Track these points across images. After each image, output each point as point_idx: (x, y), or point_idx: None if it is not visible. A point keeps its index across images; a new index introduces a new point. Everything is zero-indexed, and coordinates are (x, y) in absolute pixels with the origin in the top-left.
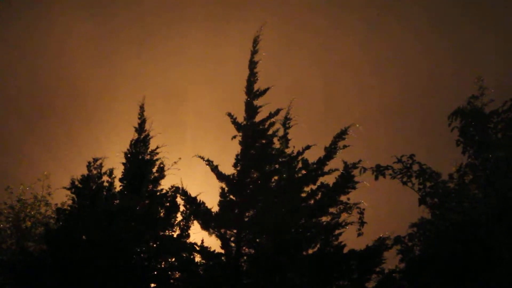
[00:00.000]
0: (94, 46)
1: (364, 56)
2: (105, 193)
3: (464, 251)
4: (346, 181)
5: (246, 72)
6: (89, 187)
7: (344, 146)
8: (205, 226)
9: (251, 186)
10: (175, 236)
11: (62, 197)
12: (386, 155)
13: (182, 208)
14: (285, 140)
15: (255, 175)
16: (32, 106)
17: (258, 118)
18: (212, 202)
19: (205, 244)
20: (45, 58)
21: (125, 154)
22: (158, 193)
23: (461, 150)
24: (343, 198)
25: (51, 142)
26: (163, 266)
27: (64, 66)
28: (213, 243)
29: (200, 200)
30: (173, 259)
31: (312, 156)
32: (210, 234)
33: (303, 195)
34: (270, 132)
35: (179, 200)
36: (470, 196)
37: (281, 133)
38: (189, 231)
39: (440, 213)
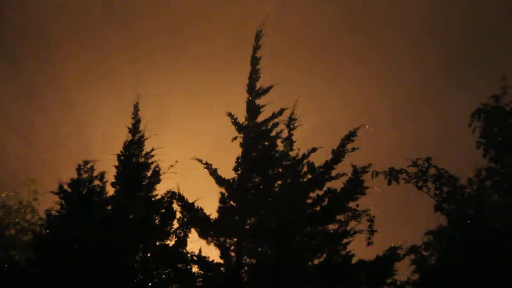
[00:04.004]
0: (86, 47)
1: (378, 52)
2: (96, 198)
3: (484, 261)
4: (355, 186)
5: (247, 71)
6: (79, 192)
7: (353, 149)
8: (203, 235)
9: (252, 191)
10: (171, 245)
11: (49, 203)
12: (398, 158)
13: (178, 215)
14: (289, 142)
15: (257, 180)
16: (18, 106)
17: (260, 118)
18: (211, 208)
19: (203, 254)
20: (33, 60)
21: (118, 156)
22: (153, 199)
23: (482, 153)
24: (352, 204)
25: (38, 144)
26: (158, 277)
27: (50, 63)
28: (212, 253)
29: (198, 206)
30: (169, 270)
31: (318, 159)
32: (208, 243)
33: (309, 201)
34: (273, 133)
35: (175, 206)
36: (490, 203)
37: (285, 134)
38: (186, 240)
39: (458, 221)
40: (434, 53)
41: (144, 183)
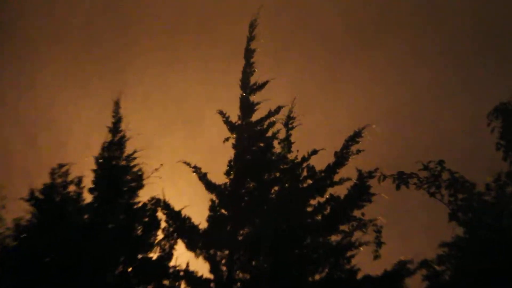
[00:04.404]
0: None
1: (384, 48)
2: (71, 206)
3: (504, 276)
4: (361, 192)
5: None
6: (52, 199)
7: (358, 151)
8: (191, 246)
9: (246, 198)
10: (155, 258)
11: (19, 212)
12: (408, 162)
13: (163, 224)
14: (287, 143)
15: (251, 185)
16: None
17: (255, 117)
18: (199, 217)
19: (191, 268)
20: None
21: (96, 159)
22: (135, 206)
23: (502, 155)
24: (357, 213)
25: (7, 146)
26: None
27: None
28: (201, 267)
29: (185, 215)
30: (153, 286)
31: (319, 162)
32: (197, 255)
33: (309, 209)
34: (270, 133)
35: (160, 214)
36: (510, 211)
37: (282, 135)
38: (172, 252)
39: (475, 231)
40: (444, 50)
41: (125, 188)
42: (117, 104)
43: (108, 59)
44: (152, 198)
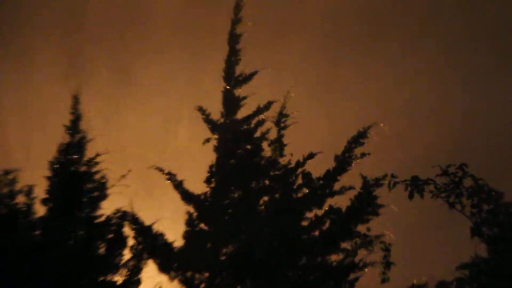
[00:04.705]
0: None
1: (393, 37)
2: (21, 220)
3: None
4: (366, 204)
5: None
6: None
7: (363, 155)
8: (164, 268)
9: (230, 211)
10: (120, 282)
11: None
12: (423, 167)
13: (131, 241)
14: (279, 145)
15: (236, 195)
16: None
17: (241, 114)
18: (175, 233)
19: None
20: None
21: (51, 164)
22: (97, 220)
23: None
24: (361, 228)
25: None
26: None
27: None
28: None
29: (157, 231)
30: None
31: (317, 168)
32: (171, 278)
33: (305, 223)
34: (258, 133)
35: (127, 230)
36: None
37: (273, 135)
38: (141, 275)
39: (502, 249)
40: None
41: (85, 199)
42: (76, 100)
43: (62, 51)
44: (118, 211)
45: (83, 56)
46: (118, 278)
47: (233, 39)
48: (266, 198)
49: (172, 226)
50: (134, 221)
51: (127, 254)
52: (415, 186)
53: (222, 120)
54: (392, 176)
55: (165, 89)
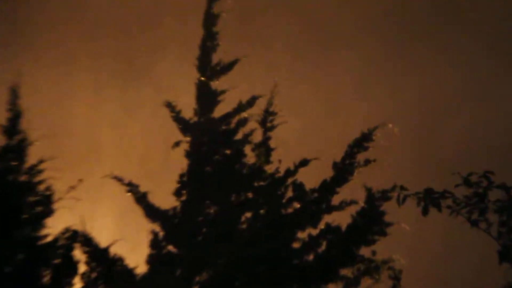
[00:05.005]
0: None
1: (396, 21)
2: None
3: None
4: (371, 221)
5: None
6: None
7: (367, 162)
8: None
9: (205, 230)
10: None
11: None
12: (440, 176)
13: (83, 267)
14: (264, 150)
15: (212, 210)
16: None
17: (219, 111)
18: (137, 256)
19: None
20: None
21: None
22: (41, 242)
23: None
24: (365, 251)
25: None
26: None
27: None
28: None
29: (115, 254)
30: None
31: (311, 178)
32: None
33: (296, 245)
34: (240, 135)
35: (78, 253)
36: None
37: (258, 138)
38: None
39: None
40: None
41: (26, 216)
42: (14, 94)
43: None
44: (67, 230)
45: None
46: None
47: (209, 19)
48: (248, 215)
49: (133, 249)
50: (87, 242)
51: (77, 283)
52: (430, 199)
53: (195, 119)
54: (402, 188)
55: (128, 79)
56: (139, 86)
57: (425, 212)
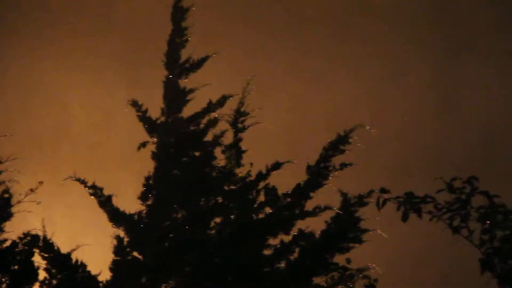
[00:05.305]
0: None
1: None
2: None
3: None
4: (346, 228)
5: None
6: None
7: (344, 166)
8: None
9: (172, 235)
10: None
11: None
12: (420, 181)
13: (43, 274)
14: (235, 152)
15: (179, 215)
16: None
17: (187, 111)
18: (100, 263)
19: None
20: None
21: None
22: None
23: None
24: (340, 259)
25: None
26: None
27: None
28: None
29: (77, 260)
30: None
31: (284, 182)
32: None
33: (268, 251)
34: (210, 137)
35: (38, 259)
36: None
37: (229, 139)
38: None
39: None
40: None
41: None
42: None
43: None
44: (26, 235)
45: None
46: None
47: (178, 13)
48: (218, 220)
49: (96, 255)
50: (48, 248)
51: None
52: (409, 204)
53: (162, 119)
54: (382, 191)
55: (89, 76)
56: None
57: (405, 217)
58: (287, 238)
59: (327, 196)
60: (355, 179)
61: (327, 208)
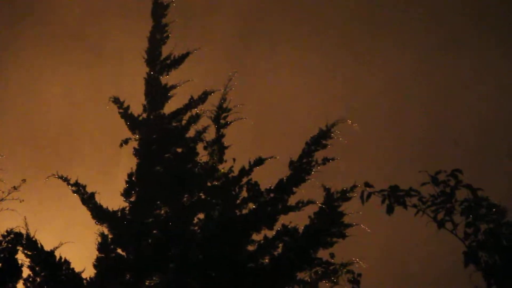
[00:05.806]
0: None
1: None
2: None
3: None
4: (329, 223)
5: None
6: None
7: (326, 160)
8: None
9: (155, 232)
10: None
11: None
12: (405, 175)
13: (27, 272)
14: (218, 148)
15: (162, 212)
16: None
17: (169, 108)
18: (83, 260)
19: None
20: None
21: None
22: None
23: None
24: (323, 254)
25: None
26: None
27: None
28: None
29: (60, 257)
30: None
31: (267, 177)
32: None
33: (251, 247)
34: (192, 133)
35: (21, 256)
36: None
37: (211, 135)
38: None
39: (502, 281)
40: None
41: None
42: None
43: None
44: (8, 232)
45: None
46: None
47: (158, 9)
48: (201, 216)
49: (80, 252)
50: (31, 245)
51: None
52: (394, 197)
53: (144, 115)
54: (367, 185)
55: (72, 74)
56: None
57: (389, 210)
58: (270, 234)
59: (310, 191)
60: (338, 174)
61: (310, 202)
